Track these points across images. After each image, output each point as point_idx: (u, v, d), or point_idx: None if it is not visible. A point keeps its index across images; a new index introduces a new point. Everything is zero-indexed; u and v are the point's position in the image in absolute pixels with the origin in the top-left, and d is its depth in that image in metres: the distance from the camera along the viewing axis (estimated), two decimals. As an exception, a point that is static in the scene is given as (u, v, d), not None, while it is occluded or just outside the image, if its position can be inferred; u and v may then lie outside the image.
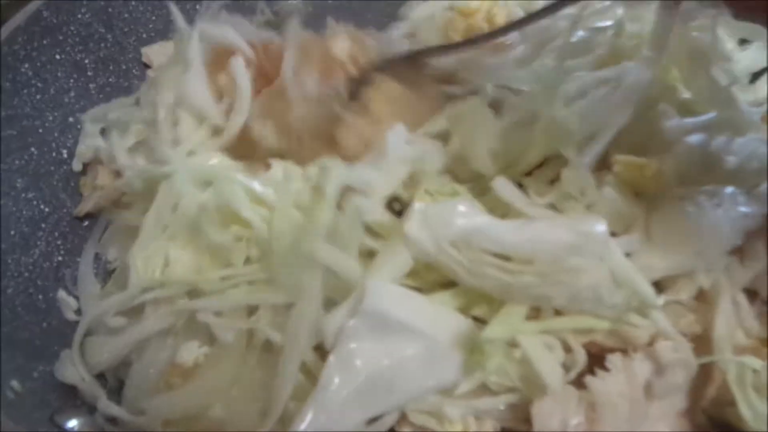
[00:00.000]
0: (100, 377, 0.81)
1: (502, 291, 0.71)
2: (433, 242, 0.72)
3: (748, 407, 0.69)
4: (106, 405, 0.77)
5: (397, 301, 0.71)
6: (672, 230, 0.75)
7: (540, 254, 0.70)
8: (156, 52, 1.11)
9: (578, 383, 0.72)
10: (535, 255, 0.70)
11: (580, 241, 0.69)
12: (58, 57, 0.98)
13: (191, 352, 0.76)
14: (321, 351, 0.71)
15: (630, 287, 0.71)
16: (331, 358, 0.67)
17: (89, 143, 0.99)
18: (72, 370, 0.79)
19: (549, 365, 0.70)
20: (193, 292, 0.78)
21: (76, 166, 0.99)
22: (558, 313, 0.72)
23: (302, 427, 0.64)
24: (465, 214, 0.73)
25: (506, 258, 0.71)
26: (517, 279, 0.69)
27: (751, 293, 0.77)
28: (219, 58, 0.97)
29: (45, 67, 0.96)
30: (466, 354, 0.70)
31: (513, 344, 0.70)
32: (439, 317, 0.72)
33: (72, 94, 1.01)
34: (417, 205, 0.74)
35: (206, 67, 0.97)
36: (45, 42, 0.96)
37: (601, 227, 0.70)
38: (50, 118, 0.97)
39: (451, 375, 0.70)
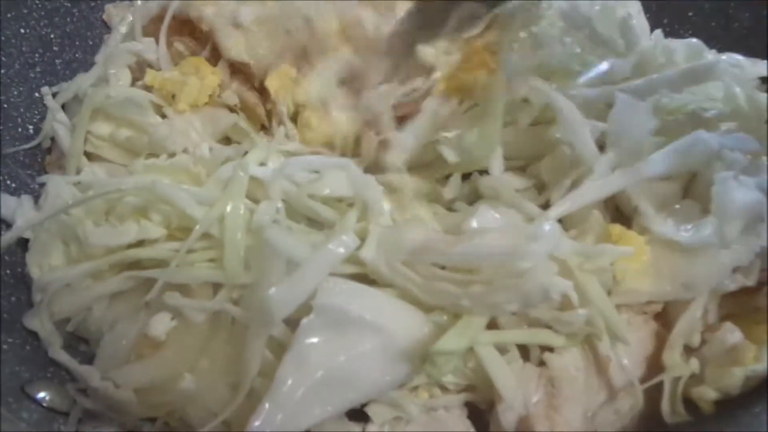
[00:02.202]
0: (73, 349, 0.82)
1: (457, 305, 0.72)
2: (387, 264, 0.75)
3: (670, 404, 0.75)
4: (58, 353, 0.79)
5: (352, 297, 0.72)
6: (665, 261, 0.77)
7: (485, 261, 0.72)
8: (119, 11, 1.09)
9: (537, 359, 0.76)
10: (481, 262, 0.72)
11: (524, 243, 0.70)
12: (22, 31, 0.97)
13: (162, 324, 0.77)
14: (293, 324, 0.72)
15: (598, 311, 0.74)
16: (286, 356, 0.69)
17: (51, 121, 0.97)
18: (36, 319, 0.81)
19: (504, 374, 0.73)
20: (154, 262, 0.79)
21: (44, 143, 0.98)
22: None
23: (257, 424, 0.66)
24: (415, 233, 0.76)
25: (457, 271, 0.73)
26: (467, 290, 0.71)
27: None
28: (176, 25, 0.98)
29: (9, 41, 0.95)
30: (418, 361, 0.72)
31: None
32: (398, 313, 0.74)
33: (38, 69, 1.00)
34: (372, 231, 0.77)
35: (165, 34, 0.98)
36: (9, 15, 0.94)
37: (549, 226, 0.72)
38: (15, 93, 0.96)
39: (407, 370, 0.73)
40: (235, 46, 0.92)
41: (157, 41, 0.99)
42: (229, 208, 0.77)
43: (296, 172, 0.82)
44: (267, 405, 0.67)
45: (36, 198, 0.91)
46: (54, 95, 0.99)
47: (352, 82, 0.92)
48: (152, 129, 0.90)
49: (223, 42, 0.93)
